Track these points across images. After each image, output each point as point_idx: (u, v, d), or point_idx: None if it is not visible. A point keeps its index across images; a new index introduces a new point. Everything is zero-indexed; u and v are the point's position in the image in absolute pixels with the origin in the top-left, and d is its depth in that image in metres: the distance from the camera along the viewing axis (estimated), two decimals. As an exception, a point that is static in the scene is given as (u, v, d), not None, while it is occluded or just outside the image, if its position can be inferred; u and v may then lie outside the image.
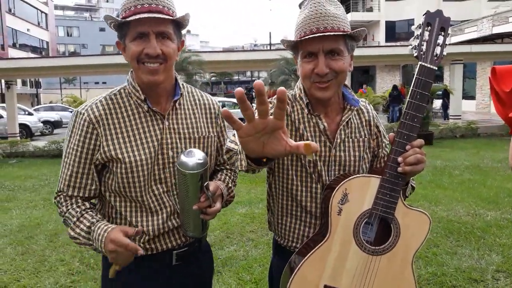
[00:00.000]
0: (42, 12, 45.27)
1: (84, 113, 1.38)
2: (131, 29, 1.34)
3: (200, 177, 1.32)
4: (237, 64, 18.28)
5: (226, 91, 42.33)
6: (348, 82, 1.61)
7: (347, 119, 1.48)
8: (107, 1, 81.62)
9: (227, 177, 1.62)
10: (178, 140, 1.46)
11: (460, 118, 15.63)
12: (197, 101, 1.56)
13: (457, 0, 30.06)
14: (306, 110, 1.46)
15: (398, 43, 26.38)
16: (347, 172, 1.48)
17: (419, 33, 1.31)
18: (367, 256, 1.31)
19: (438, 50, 1.30)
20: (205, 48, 76.69)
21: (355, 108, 1.50)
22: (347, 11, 34.21)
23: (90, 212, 1.41)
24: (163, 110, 1.45)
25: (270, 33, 40.15)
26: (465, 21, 26.26)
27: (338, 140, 1.47)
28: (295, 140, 1.24)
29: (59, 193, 1.44)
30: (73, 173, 1.40)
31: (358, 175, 1.34)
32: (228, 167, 1.66)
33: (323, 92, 1.39)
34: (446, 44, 1.31)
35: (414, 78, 1.30)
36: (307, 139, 1.44)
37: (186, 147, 1.46)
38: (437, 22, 1.31)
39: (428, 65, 1.28)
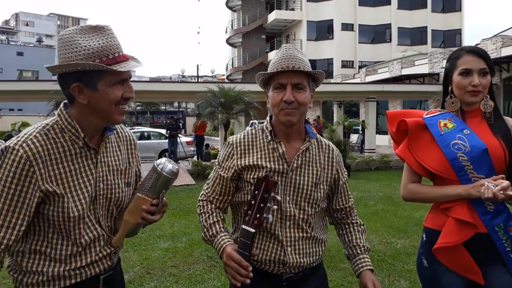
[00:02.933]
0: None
1: (19, 149, 1.29)
2: (115, 76, 1.37)
3: (166, 183, 1.47)
4: (164, 94, 18.12)
5: (153, 121, 41.34)
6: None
7: (305, 148, 1.68)
8: (27, 25, 77.59)
9: None
10: (108, 173, 1.50)
11: (374, 152, 16.73)
12: (119, 134, 1.63)
13: (372, 43, 32.94)
14: (269, 137, 1.68)
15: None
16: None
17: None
18: None
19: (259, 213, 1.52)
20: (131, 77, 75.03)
21: (313, 140, 1.72)
22: (271, 10, 35.19)
23: None
24: (95, 145, 1.48)
25: (198, 65, 40.40)
26: (378, 62, 28.59)
27: (295, 165, 1.66)
28: (253, 160, 1.62)
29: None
30: (2, 211, 1.28)
31: None
32: None
33: (288, 117, 1.61)
34: (269, 208, 1.53)
35: (239, 240, 1.55)
36: (261, 159, 1.66)
37: (114, 179, 1.52)
38: (263, 187, 1.51)
39: (248, 228, 1.50)
